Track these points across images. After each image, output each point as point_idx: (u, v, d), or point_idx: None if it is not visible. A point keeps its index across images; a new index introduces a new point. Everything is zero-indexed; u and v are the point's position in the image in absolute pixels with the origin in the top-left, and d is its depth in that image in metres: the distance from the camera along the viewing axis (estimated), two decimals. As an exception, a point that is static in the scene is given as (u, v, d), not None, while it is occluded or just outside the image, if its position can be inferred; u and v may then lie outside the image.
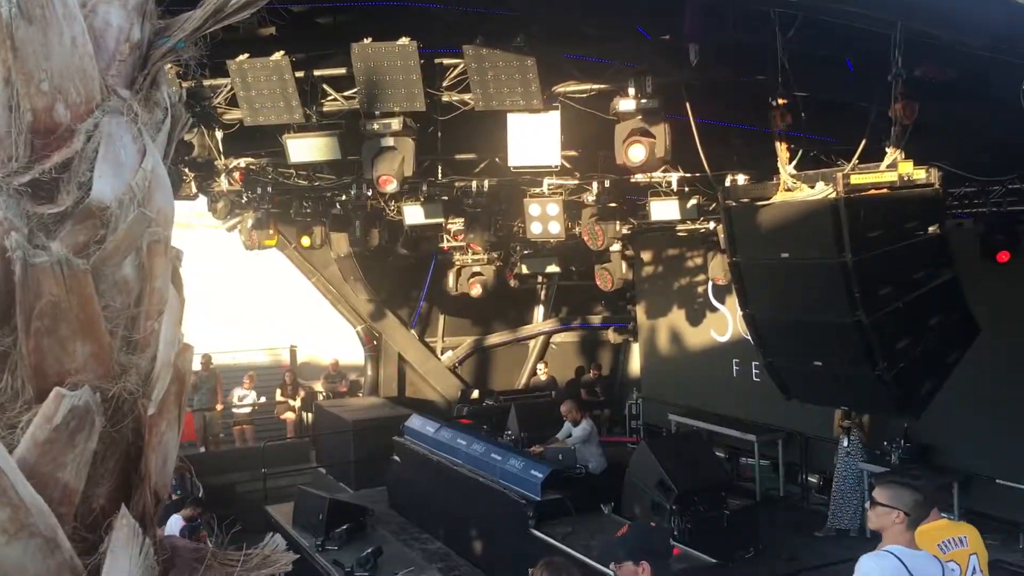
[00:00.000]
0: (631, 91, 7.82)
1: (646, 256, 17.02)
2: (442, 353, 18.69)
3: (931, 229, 6.97)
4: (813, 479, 13.02)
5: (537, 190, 10.98)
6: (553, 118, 8.04)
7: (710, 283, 14.86)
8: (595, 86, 8.14)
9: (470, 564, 10.42)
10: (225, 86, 8.29)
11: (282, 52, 7.84)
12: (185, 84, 7.32)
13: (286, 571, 1.89)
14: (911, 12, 5.63)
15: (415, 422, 12.61)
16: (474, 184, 11.13)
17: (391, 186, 8.35)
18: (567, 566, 4.69)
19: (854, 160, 6.78)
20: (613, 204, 11.70)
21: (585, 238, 12.15)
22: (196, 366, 14.53)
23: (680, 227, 13.03)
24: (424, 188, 11.40)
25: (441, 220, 12.57)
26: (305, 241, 14.76)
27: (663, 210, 10.66)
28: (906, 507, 4.10)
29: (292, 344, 21.03)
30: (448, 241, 14.26)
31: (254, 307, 20.36)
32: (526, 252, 15.70)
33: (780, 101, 7.19)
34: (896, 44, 6.24)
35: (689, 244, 15.28)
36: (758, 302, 7.71)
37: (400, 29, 7.66)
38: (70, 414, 1.57)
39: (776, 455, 13.24)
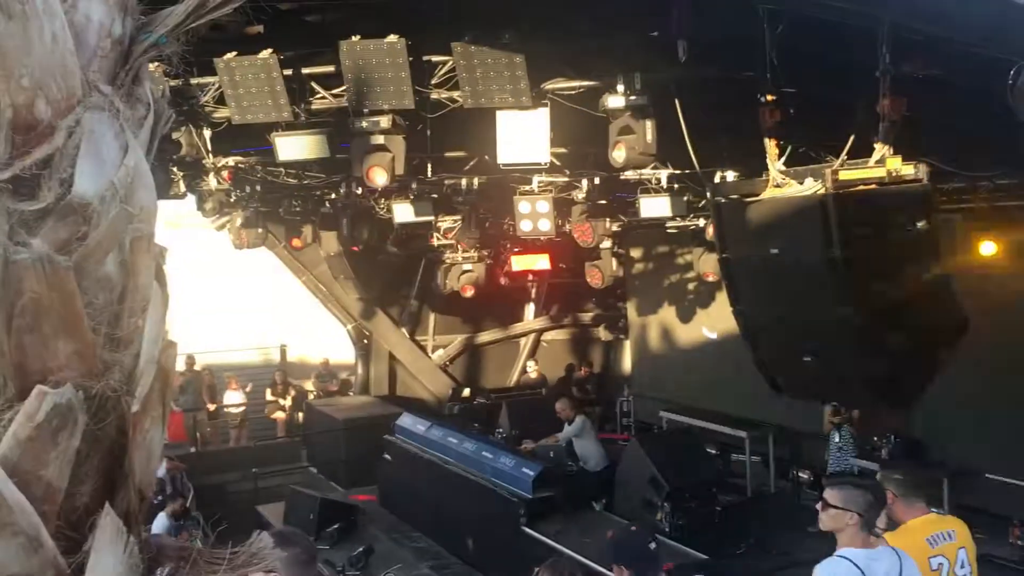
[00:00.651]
0: (620, 88, 7.83)
1: (636, 253, 17.05)
2: (433, 351, 18.67)
3: (920, 224, 6.99)
4: (804, 475, 13.05)
5: (527, 187, 10.98)
6: (542, 115, 8.04)
7: (699, 279, 14.88)
8: (584, 83, 8.15)
9: (461, 562, 10.43)
10: (213, 84, 8.26)
11: (270, 50, 7.81)
12: (172, 82, 7.30)
13: (274, 569, 1.88)
14: (899, 7, 5.64)
15: (406, 420, 12.61)
16: (464, 182, 11.12)
17: (381, 179, 8.30)
18: (571, 567, 4.71)
19: (843, 156, 6.80)
20: (603, 201, 11.70)
21: (575, 235, 12.15)
22: (180, 367, 14.51)
23: (670, 224, 13.05)
24: (414, 186, 11.38)
25: (431, 218, 12.56)
26: (296, 243, 14.71)
27: (653, 207, 10.67)
28: (859, 508, 4.13)
29: (282, 343, 20.99)
30: (438, 239, 14.25)
31: (244, 306, 20.32)
32: (516, 249, 15.71)
33: (769, 98, 7.21)
34: (883, 39, 6.26)
35: (679, 241, 15.30)
36: (748, 298, 7.73)
37: (389, 27, 7.65)
38: (52, 412, 1.55)
39: (767, 451, 13.28)
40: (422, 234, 14.53)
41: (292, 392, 17.89)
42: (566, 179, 11.03)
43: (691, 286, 15.69)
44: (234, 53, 7.77)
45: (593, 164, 10.60)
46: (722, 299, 14.43)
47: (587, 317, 19.54)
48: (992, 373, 10.51)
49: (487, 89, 7.74)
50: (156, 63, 1.90)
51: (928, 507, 5.02)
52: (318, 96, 8.40)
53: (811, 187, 6.89)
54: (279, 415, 17.54)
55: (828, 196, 6.58)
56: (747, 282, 7.67)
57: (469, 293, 15.02)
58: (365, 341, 18.25)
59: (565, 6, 7.34)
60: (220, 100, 8.33)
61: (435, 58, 8.09)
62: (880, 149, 6.66)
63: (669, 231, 14.20)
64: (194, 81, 8.03)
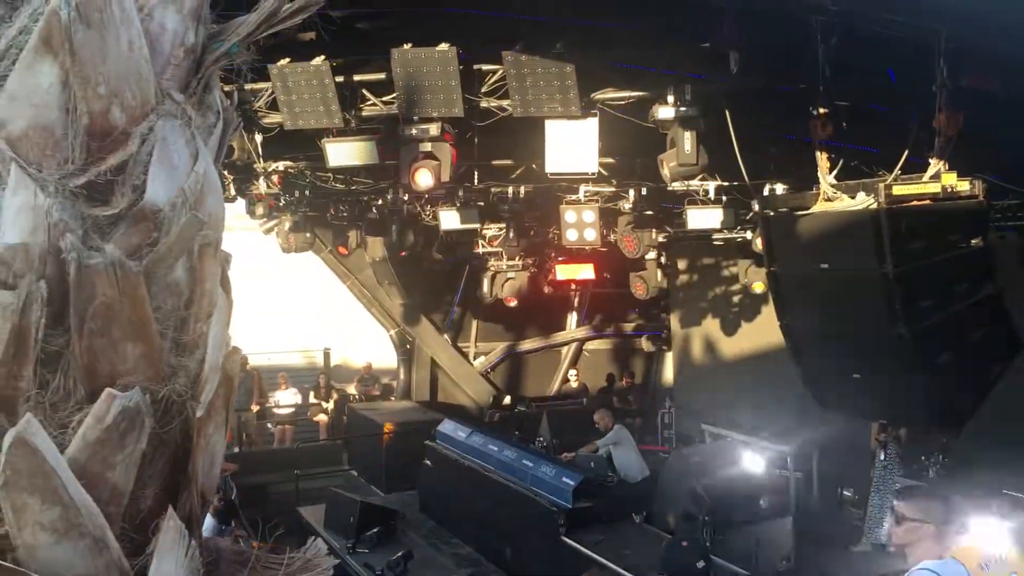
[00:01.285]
0: (670, 98, 7.79)
1: (681, 264, 16.92)
2: (475, 358, 18.70)
3: (974, 242, 6.87)
4: (848, 492, 12.83)
5: (573, 197, 10.96)
6: (591, 125, 8.03)
7: (745, 291, 14.74)
8: (634, 93, 8.12)
9: (500, 570, 10.39)
10: (266, 90, 8.37)
11: (323, 57, 7.90)
12: (226, 88, 7.41)
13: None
14: (957, 21, 5.55)
15: (447, 427, 12.62)
16: (510, 190, 11.13)
17: (426, 181, 8.30)
18: None
19: (896, 171, 6.70)
20: (649, 212, 11.65)
21: (621, 246, 12.11)
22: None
23: (716, 236, 12.95)
24: (460, 194, 11.42)
25: (477, 226, 12.58)
26: (343, 250, 14.76)
27: (700, 218, 10.59)
28: (936, 519, 4.02)
29: (326, 347, 21.13)
30: (483, 247, 14.27)
31: (289, 309, 20.48)
32: (561, 259, 15.69)
33: (821, 110, 7.13)
34: (941, 53, 6.17)
35: (725, 253, 15.17)
36: (796, 312, 7.65)
37: (440, 35, 7.70)
38: (121, 415, 1.58)
39: (811, 467, 13.07)
40: (467, 241, 14.57)
41: (335, 395, 18.00)
42: (613, 189, 10.99)
43: (736, 299, 15.53)
44: (287, 60, 7.86)
45: (640, 174, 10.56)
46: (768, 312, 14.30)
47: (630, 327, 19.44)
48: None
49: (537, 98, 7.76)
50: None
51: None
52: (368, 103, 8.46)
53: (863, 201, 6.80)
54: (321, 418, 17.65)
55: (881, 211, 6.49)
56: (795, 296, 7.58)
57: (513, 303, 15.01)
58: (408, 346, 18.33)
59: (615, 17, 7.32)
60: (272, 105, 8.43)
61: (485, 67, 8.12)
62: (935, 164, 6.55)
63: (715, 243, 14.08)
64: (247, 86, 8.13)
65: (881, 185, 6.55)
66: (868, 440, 11.34)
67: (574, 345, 19.44)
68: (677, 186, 10.31)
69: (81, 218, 1.58)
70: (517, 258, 14.61)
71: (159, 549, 1.60)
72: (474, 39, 7.95)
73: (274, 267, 17.21)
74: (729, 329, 15.87)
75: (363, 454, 15.18)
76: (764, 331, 14.94)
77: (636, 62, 8.20)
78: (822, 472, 13.09)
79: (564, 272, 15.74)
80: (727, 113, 7.84)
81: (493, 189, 11.36)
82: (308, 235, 13.95)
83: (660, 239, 12.98)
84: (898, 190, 6.54)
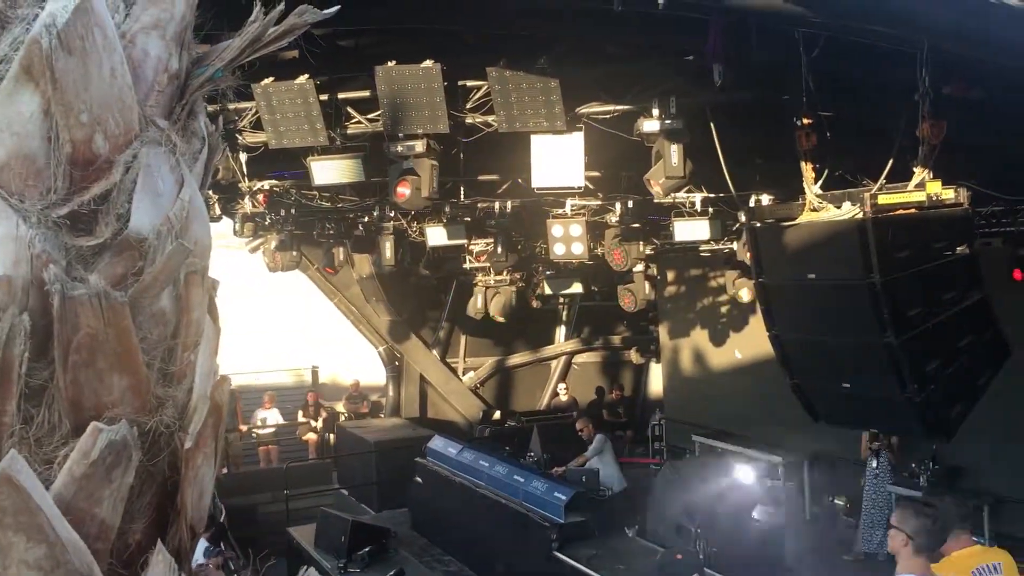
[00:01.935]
0: (655, 112, 7.80)
1: (669, 276, 16.95)
2: (464, 374, 18.66)
3: (960, 249, 6.90)
4: (840, 501, 12.84)
5: (560, 211, 10.96)
6: (577, 139, 8.03)
7: (733, 302, 14.77)
8: (619, 107, 8.13)
9: (493, 587, 10.35)
10: (250, 109, 8.35)
11: (307, 75, 7.88)
12: (209, 108, 7.38)
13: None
14: (939, 32, 5.58)
15: (437, 443, 12.57)
16: (497, 205, 11.13)
17: (406, 193, 8.30)
18: None
19: (881, 180, 6.72)
20: (636, 225, 11.66)
21: (609, 259, 12.11)
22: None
23: (703, 247, 12.97)
24: (447, 209, 11.40)
25: (464, 241, 12.57)
26: (329, 270, 14.68)
27: (687, 230, 10.60)
28: (910, 530, 4.00)
29: (314, 365, 21.06)
30: (470, 262, 14.26)
31: (276, 327, 20.42)
32: (548, 273, 15.67)
33: (805, 121, 7.15)
34: (923, 63, 6.20)
35: (712, 264, 15.21)
36: (784, 323, 7.64)
37: (423, 51, 7.69)
38: (107, 449, 1.55)
39: (802, 477, 13.09)
40: (454, 257, 14.55)
41: (324, 414, 17.92)
42: (599, 202, 11.00)
43: (724, 309, 15.56)
44: (271, 79, 7.85)
45: (627, 187, 10.56)
46: (755, 322, 14.33)
47: (618, 340, 19.44)
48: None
49: (522, 113, 7.76)
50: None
51: (972, 538, 4.92)
52: (353, 120, 8.45)
53: (849, 211, 6.81)
54: (310, 436, 17.57)
55: (867, 221, 6.50)
56: (784, 307, 7.57)
57: (500, 319, 14.99)
58: (396, 363, 18.28)
59: (599, 30, 7.33)
60: (257, 125, 8.41)
61: (470, 83, 8.12)
62: (920, 173, 6.58)
63: (702, 254, 14.12)
64: (231, 106, 8.11)
65: (866, 195, 6.56)
66: (859, 449, 11.35)
67: (563, 359, 19.43)
68: (655, 194, 10.32)
69: (64, 248, 1.55)
70: (505, 273, 14.60)
71: (148, 585, 1.57)
72: (458, 55, 7.95)
73: (260, 285, 17.17)
74: (718, 340, 15.90)
75: (353, 472, 15.10)
76: (752, 341, 14.99)
77: (621, 76, 8.21)
78: (814, 481, 13.11)
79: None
80: (712, 125, 7.86)
81: (479, 204, 11.35)
82: (295, 253, 13.91)
83: (648, 252, 12.99)
84: (883, 199, 6.56)
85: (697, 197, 10.32)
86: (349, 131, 8.48)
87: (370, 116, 8.36)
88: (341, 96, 8.35)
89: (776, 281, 7.50)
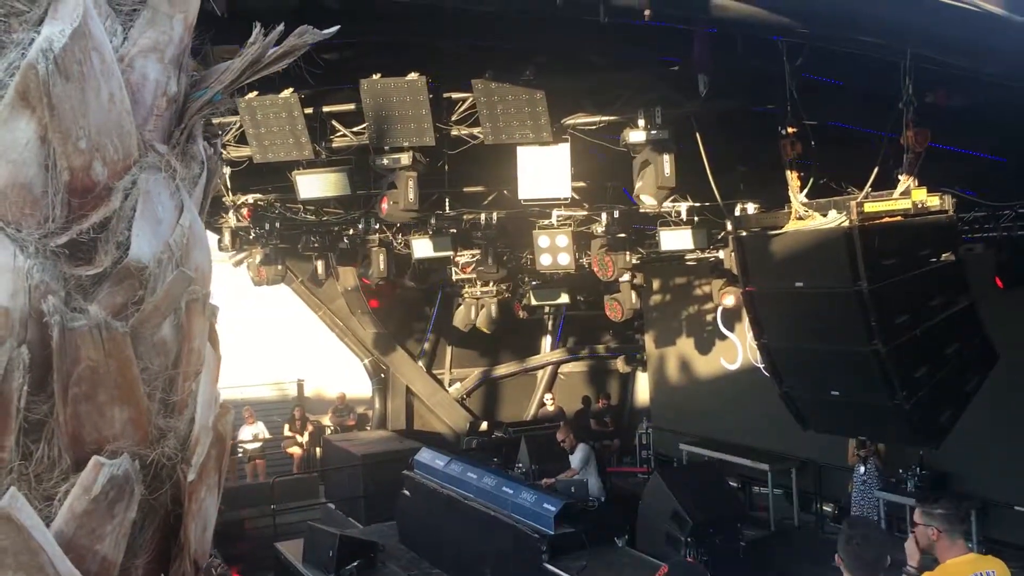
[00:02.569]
0: (640, 122, 7.81)
1: (655, 285, 16.97)
2: (450, 385, 18.60)
3: (945, 256, 6.92)
4: (828, 508, 12.87)
5: (546, 222, 10.95)
6: (563, 151, 8.02)
7: (719, 310, 14.78)
8: (604, 118, 8.13)
9: (483, 600, 10.28)
10: (234, 123, 8.29)
11: (291, 89, 7.84)
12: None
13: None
14: (923, 40, 5.61)
15: (425, 455, 12.49)
16: (483, 217, 11.11)
17: (386, 212, 8.33)
18: None
19: (867, 188, 6.74)
20: (622, 235, 11.67)
21: (595, 269, 12.10)
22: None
23: (689, 256, 12.99)
24: (433, 221, 11.37)
25: (450, 253, 12.54)
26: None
27: (673, 240, 10.62)
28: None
29: (299, 378, 20.94)
30: (456, 273, 14.22)
31: (260, 341, 20.30)
32: (535, 283, 15.66)
33: (790, 130, 7.17)
34: (906, 71, 6.23)
35: (697, 273, 15.23)
36: (772, 331, 7.64)
37: (408, 64, 7.67)
38: (109, 484, 1.51)
39: (790, 484, 13.10)
40: (439, 268, 14.51)
41: (310, 427, 17.81)
42: (585, 213, 11.00)
43: (710, 317, 15.59)
44: (255, 93, 7.80)
45: (612, 198, 10.57)
46: (741, 330, 14.37)
47: (604, 349, 19.43)
48: (1020, 404, 10.37)
49: (508, 125, 7.74)
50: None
51: (967, 544, 4.91)
52: (338, 134, 8.41)
53: (835, 219, 6.83)
54: (295, 450, 17.46)
55: (853, 228, 6.52)
56: (771, 315, 7.58)
57: (486, 330, 14.96)
58: (382, 375, 18.19)
59: (583, 41, 7.33)
60: (241, 139, 8.36)
61: (455, 95, 8.10)
62: (905, 181, 6.60)
63: (688, 263, 14.14)
64: (215, 120, 8.04)
65: (853, 203, 6.58)
66: (847, 456, 11.38)
67: (549, 368, 19.39)
68: (649, 208, 10.34)
69: (63, 278, 1.51)
70: (491, 284, 14.57)
71: (152, 622, 1.53)
72: (443, 67, 7.93)
73: (244, 298, 17.05)
74: (704, 348, 15.91)
75: (340, 486, 15.00)
76: (739, 349, 15.03)
77: (606, 86, 8.22)
78: (802, 488, 13.12)
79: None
80: (698, 135, 7.87)
81: (465, 216, 11.33)
82: (280, 267, 13.83)
83: (634, 261, 13.00)
84: (869, 207, 6.58)
85: (683, 206, 10.34)
86: (334, 144, 8.44)
87: (355, 129, 8.33)
88: (326, 109, 8.31)
89: (763, 290, 7.51)
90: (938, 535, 4.50)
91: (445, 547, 11.32)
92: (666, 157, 7.78)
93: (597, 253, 12.00)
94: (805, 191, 7.10)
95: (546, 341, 19.44)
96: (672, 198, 9.64)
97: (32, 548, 1.41)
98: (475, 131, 8.06)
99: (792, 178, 7.17)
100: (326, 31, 1.86)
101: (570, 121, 8.11)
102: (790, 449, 12.98)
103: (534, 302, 16.16)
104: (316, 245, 13.81)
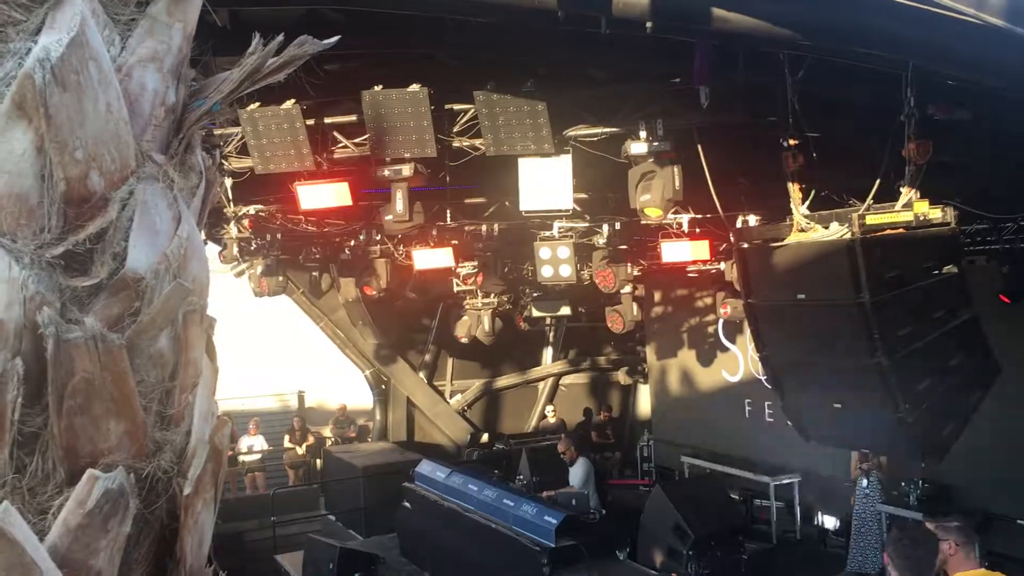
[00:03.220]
0: (642, 134, 7.82)
1: (656, 296, 16.96)
2: (451, 396, 18.55)
3: (947, 268, 6.91)
4: (830, 521, 12.81)
5: (547, 233, 10.94)
6: (565, 162, 8.02)
7: (721, 323, 14.76)
8: (606, 129, 8.13)
9: (484, 613, 10.23)
10: (235, 134, 8.30)
11: (293, 100, 7.84)
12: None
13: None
14: (924, 53, 5.60)
15: (425, 467, 12.45)
16: (484, 228, 11.11)
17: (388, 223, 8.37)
18: None
19: (869, 200, 6.74)
20: (624, 246, 11.66)
21: (596, 281, 12.09)
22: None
23: (690, 267, 12.98)
24: (434, 232, 11.37)
25: (451, 264, 12.53)
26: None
27: (675, 251, 10.61)
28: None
29: (300, 389, 20.90)
30: (458, 285, 14.21)
31: (261, 352, 20.28)
32: (536, 295, 15.64)
33: (791, 142, 7.18)
34: (908, 83, 6.24)
35: (699, 284, 15.22)
36: (774, 344, 7.63)
37: (410, 75, 7.68)
38: (104, 497, 1.49)
39: (792, 497, 13.06)
40: (440, 280, 14.49)
41: (310, 438, 17.77)
42: (587, 224, 10.99)
43: (711, 329, 15.56)
44: (257, 104, 7.80)
45: (614, 209, 10.56)
46: (743, 342, 14.34)
47: (605, 361, 19.39)
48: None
49: (509, 137, 7.74)
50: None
51: (977, 560, 4.88)
52: (340, 145, 8.42)
53: (837, 232, 6.82)
54: (297, 451, 17.43)
55: (855, 241, 6.51)
56: (773, 327, 7.56)
57: (487, 341, 14.94)
58: (383, 387, 18.15)
59: (584, 54, 7.34)
60: (243, 150, 8.36)
61: (456, 106, 8.11)
62: (907, 193, 6.60)
63: (690, 274, 14.13)
64: (217, 132, 8.06)
65: (855, 215, 6.57)
66: (849, 468, 11.33)
67: (550, 380, 19.35)
68: (651, 220, 10.34)
69: (59, 290, 1.50)
70: (492, 295, 14.56)
71: (147, 638, 1.51)
72: (444, 79, 7.94)
73: (245, 309, 17.05)
74: (706, 360, 15.88)
75: (341, 498, 14.95)
76: (741, 361, 15.01)
77: (607, 98, 8.22)
78: (804, 501, 13.07)
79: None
80: (699, 146, 7.87)
81: (467, 227, 11.33)
82: (281, 278, 13.82)
83: (635, 273, 12.99)
84: (871, 219, 6.57)
85: (684, 218, 10.33)
86: (336, 155, 8.44)
87: (356, 140, 8.33)
88: (328, 120, 8.31)
89: (765, 302, 7.50)
90: (955, 549, 4.49)
91: (446, 559, 11.27)
92: (675, 169, 7.79)
93: (598, 265, 11.99)
94: (807, 203, 7.10)
95: (547, 353, 19.40)
96: (674, 210, 9.64)
97: (25, 563, 1.39)
98: (477, 142, 8.07)
99: (794, 190, 7.17)
100: (326, 41, 1.86)
101: (572, 132, 8.11)
102: (792, 462, 12.93)
103: (535, 314, 16.14)
104: (317, 256, 13.80)
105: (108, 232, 1.56)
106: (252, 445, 17.04)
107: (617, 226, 10.85)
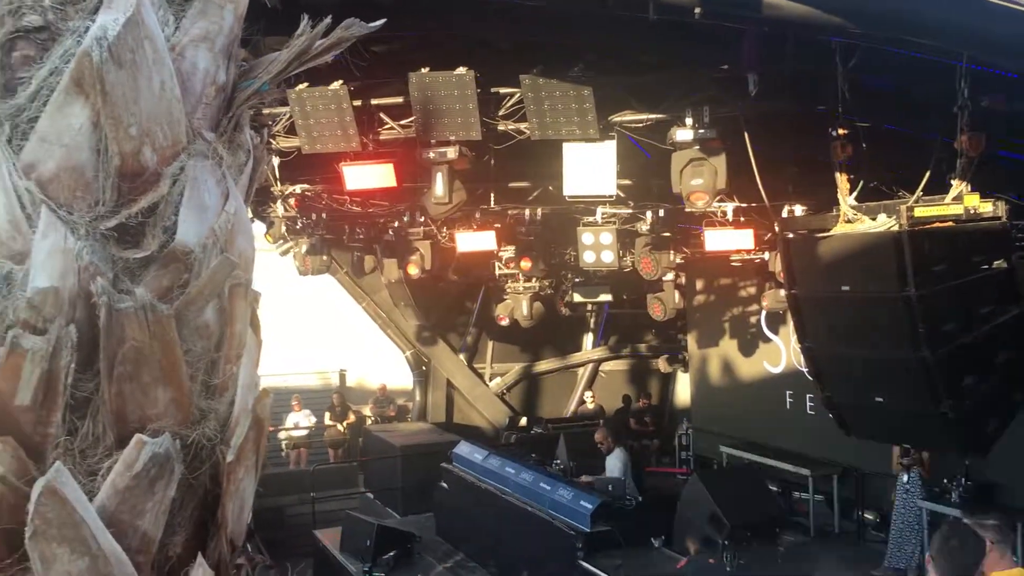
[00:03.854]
0: (688, 121, 7.77)
1: (698, 285, 16.84)
2: (490, 379, 18.62)
3: (997, 263, 6.80)
4: (870, 515, 12.67)
5: (590, 219, 10.92)
6: (609, 148, 8.01)
7: (763, 313, 14.63)
8: (652, 116, 8.10)
9: (518, 594, 10.30)
10: (284, 114, 8.39)
11: (340, 81, 7.91)
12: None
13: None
14: (978, 43, 5.51)
15: (463, 449, 12.54)
16: (527, 212, 11.12)
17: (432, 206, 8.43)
18: None
19: (918, 192, 6.64)
20: (667, 233, 11.61)
21: (639, 268, 12.06)
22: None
23: (734, 256, 12.88)
24: (477, 215, 11.41)
25: (493, 247, 12.56)
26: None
27: (718, 240, 10.54)
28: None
29: (341, 368, 21.11)
30: (500, 268, 14.24)
31: (303, 331, 20.51)
32: (577, 280, 15.63)
33: (840, 131, 7.09)
34: (962, 74, 6.13)
35: (742, 274, 15.09)
36: (817, 335, 7.56)
37: (457, 58, 7.70)
38: (151, 461, 1.55)
39: (831, 490, 12.92)
40: (483, 263, 14.53)
41: (351, 416, 17.96)
42: (630, 211, 10.96)
43: (754, 319, 15.43)
44: (305, 84, 7.88)
45: (657, 196, 10.52)
46: (785, 333, 14.20)
47: (646, 348, 19.33)
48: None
49: (555, 121, 7.74)
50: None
51: (1013, 558, 4.83)
52: (386, 126, 8.47)
53: (885, 223, 6.74)
54: (337, 438, 17.64)
55: (903, 233, 6.42)
56: (816, 319, 7.49)
57: (527, 324, 14.98)
58: (423, 368, 18.27)
59: (632, 39, 7.31)
60: (290, 130, 8.46)
61: (503, 90, 8.12)
62: (957, 186, 6.50)
63: (733, 263, 14.02)
64: (265, 111, 8.16)
65: (903, 207, 6.48)
66: (890, 463, 11.19)
67: (590, 366, 19.32)
68: (695, 207, 10.29)
69: (112, 261, 1.56)
70: (534, 280, 14.58)
71: (189, 598, 1.57)
72: (491, 62, 7.95)
73: (289, 288, 17.26)
74: (747, 350, 15.74)
75: (379, 476, 15.12)
76: (783, 352, 14.86)
77: (654, 85, 8.18)
78: (843, 495, 12.94)
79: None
80: (746, 135, 7.81)
81: (510, 211, 11.35)
82: (324, 257, 13.96)
83: (678, 260, 12.92)
84: (920, 212, 6.48)
85: (729, 207, 10.25)
86: (382, 137, 8.50)
87: (403, 122, 8.38)
88: (374, 102, 8.37)
89: (809, 293, 7.43)
90: (991, 546, 4.43)
91: (481, 540, 11.36)
92: (723, 159, 7.76)
93: (641, 251, 11.95)
94: (854, 194, 7.02)
95: (588, 338, 19.37)
96: (719, 198, 9.58)
97: (75, 522, 1.45)
98: (522, 126, 8.08)
99: (841, 180, 7.09)
100: (372, 24, 1.89)
101: (617, 118, 8.09)
102: (832, 455, 12.80)
103: (576, 299, 16.13)
104: (361, 237, 13.91)
105: (159, 206, 1.62)
106: (298, 422, 17.29)
107: (661, 213, 10.80)
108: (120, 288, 1.57)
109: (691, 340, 17.38)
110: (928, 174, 6.67)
